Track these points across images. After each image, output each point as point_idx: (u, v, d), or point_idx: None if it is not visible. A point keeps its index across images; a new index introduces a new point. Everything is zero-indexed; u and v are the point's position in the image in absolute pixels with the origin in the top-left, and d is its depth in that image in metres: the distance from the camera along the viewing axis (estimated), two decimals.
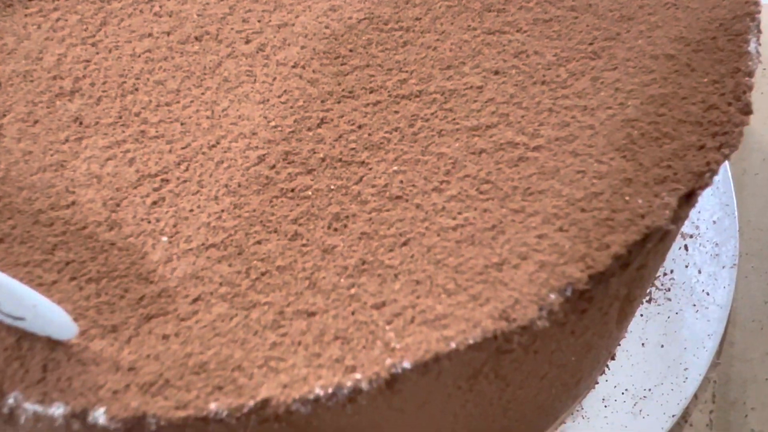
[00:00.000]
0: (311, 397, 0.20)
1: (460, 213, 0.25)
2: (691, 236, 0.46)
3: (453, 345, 0.21)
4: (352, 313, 0.22)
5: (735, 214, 0.47)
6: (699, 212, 0.47)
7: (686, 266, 0.45)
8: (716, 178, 0.50)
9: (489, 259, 0.23)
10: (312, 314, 0.22)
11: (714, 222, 0.47)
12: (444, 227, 0.24)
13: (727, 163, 0.49)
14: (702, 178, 0.25)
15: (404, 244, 0.24)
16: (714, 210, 0.47)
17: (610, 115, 0.27)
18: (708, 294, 0.43)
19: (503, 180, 0.25)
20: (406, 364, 0.20)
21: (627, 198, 0.24)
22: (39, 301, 0.19)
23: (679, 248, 0.46)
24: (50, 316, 0.20)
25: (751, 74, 0.29)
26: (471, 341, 0.21)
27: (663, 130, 0.27)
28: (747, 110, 0.27)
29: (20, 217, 0.24)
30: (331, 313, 0.22)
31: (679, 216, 0.24)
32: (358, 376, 0.20)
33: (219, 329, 0.21)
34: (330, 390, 0.20)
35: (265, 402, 0.20)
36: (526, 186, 0.25)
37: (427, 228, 0.24)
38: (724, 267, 0.45)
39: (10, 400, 0.20)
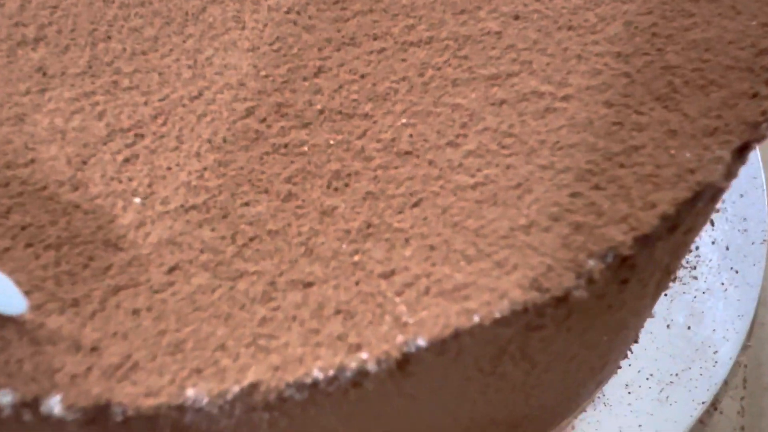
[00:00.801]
0: (308, 381, 0.17)
1: (479, 170, 0.21)
2: (717, 211, 0.43)
3: (476, 319, 0.17)
4: (356, 284, 0.19)
5: (764, 187, 0.43)
6: None
7: (713, 242, 0.42)
8: None
9: (515, 220, 0.20)
10: (309, 285, 0.19)
11: (741, 196, 0.43)
12: (461, 186, 0.21)
13: None
14: (758, 129, 0.22)
15: (415, 204, 0.20)
16: (740, 183, 0.44)
17: (648, 62, 0.24)
18: (737, 272, 0.40)
19: (528, 133, 0.22)
20: (421, 342, 0.17)
21: (672, 152, 0.21)
22: None
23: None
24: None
25: None
26: (497, 315, 0.17)
27: (709, 78, 0.23)
28: None
29: None
30: (332, 284, 0.19)
31: (732, 172, 0.21)
32: (363, 355, 0.17)
33: (199, 303, 0.18)
34: (330, 372, 0.17)
35: (253, 387, 0.16)
36: (555, 139, 0.22)
37: (441, 187, 0.21)
38: (753, 243, 0.41)
39: None
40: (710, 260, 0.41)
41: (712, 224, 0.43)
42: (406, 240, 0.20)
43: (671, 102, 0.23)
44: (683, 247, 0.23)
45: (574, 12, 0.26)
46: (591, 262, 0.19)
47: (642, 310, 0.26)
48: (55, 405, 0.16)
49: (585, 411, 0.35)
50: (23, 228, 0.20)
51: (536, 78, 0.24)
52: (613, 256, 0.19)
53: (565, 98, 0.23)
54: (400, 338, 0.17)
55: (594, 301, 0.20)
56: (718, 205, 0.43)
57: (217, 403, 0.16)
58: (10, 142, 0.22)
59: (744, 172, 0.44)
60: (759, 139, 0.22)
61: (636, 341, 0.38)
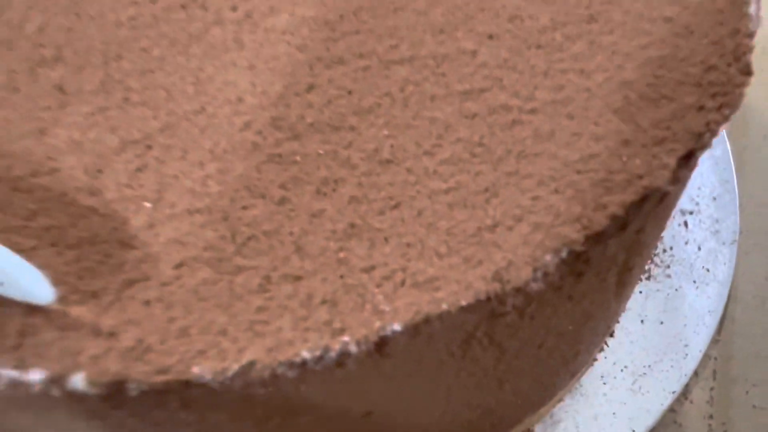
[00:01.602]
0: (298, 360, 0.19)
1: (452, 176, 0.24)
2: (690, 213, 0.45)
3: (444, 307, 0.20)
4: (341, 277, 0.21)
5: (735, 191, 0.46)
6: (699, 189, 0.47)
7: (686, 243, 0.44)
8: (716, 155, 0.49)
9: (482, 221, 0.22)
10: (299, 278, 0.21)
11: (714, 198, 0.46)
12: (435, 191, 0.23)
13: (727, 139, 0.49)
14: (701, 139, 0.24)
15: (394, 207, 0.23)
16: (714, 186, 0.47)
17: (607, 77, 0.27)
18: (708, 270, 0.43)
19: (497, 143, 0.25)
20: (396, 327, 0.20)
21: (624, 159, 0.24)
22: (16, 264, 0.19)
23: (679, 225, 0.45)
24: (28, 279, 0.19)
25: (751, 36, 0.28)
26: (463, 303, 0.20)
27: (661, 92, 0.26)
28: (747, 71, 0.26)
29: None
30: (319, 277, 0.21)
31: (678, 177, 0.24)
32: (346, 338, 0.19)
33: (202, 294, 0.21)
34: (317, 353, 0.19)
35: (250, 365, 0.19)
36: (521, 149, 0.24)
37: (418, 191, 0.23)
38: (724, 243, 0.44)
39: None
40: (683, 259, 0.43)
41: (686, 226, 0.45)
42: (386, 239, 0.22)
43: (626, 114, 0.25)
44: (638, 245, 0.26)
45: (542, 32, 0.28)
46: (547, 257, 0.21)
47: (606, 303, 0.29)
48: (78, 381, 0.19)
49: (562, 400, 0.38)
50: (47, 229, 0.22)
51: (505, 93, 0.26)
52: (567, 252, 0.21)
53: (531, 111, 0.26)
54: (377, 323, 0.20)
55: (552, 292, 0.23)
56: (692, 208, 0.46)
57: (219, 379, 0.19)
58: (33, 153, 0.25)
59: (717, 176, 0.47)
60: (703, 148, 0.24)
61: (612, 335, 0.41)
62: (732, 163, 0.47)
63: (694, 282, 0.42)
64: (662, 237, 0.44)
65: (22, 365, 0.19)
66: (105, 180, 0.24)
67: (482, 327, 0.22)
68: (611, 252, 0.23)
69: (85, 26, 0.29)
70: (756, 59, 0.59)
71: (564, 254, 0.21)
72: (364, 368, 0.20)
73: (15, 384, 0.19)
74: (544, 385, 0.32)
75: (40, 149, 0.25)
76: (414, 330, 0.20)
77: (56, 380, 0.19)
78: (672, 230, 0.45)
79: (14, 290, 0.19)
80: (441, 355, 0.22)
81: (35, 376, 0.19)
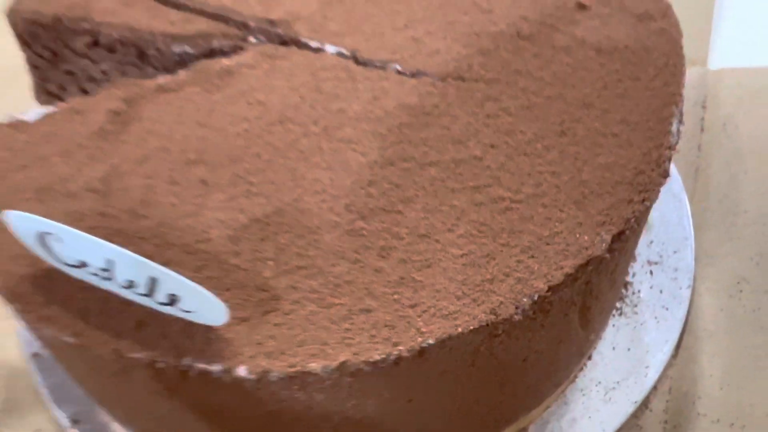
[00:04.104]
0: (371, 360, 0.32)
1: (465, 246, 0.36)
2: (655, 263, 0.58)
3: (460, 330, 0.32)
4: (395, 311, 0.34)
5: (692, 246, 0.58)
6: (663, 244, 0.59)
7: (650, 287, 0.56)
8: (680, 216, 0.62)
9: (484, 276, 0.35)
10: (369, 311, 0.34)
11: (675, 252, 0.58)
12: (455, 255, 0.36)
13: (688, 204, 0.61)
14: (629, 222, 0.37)
15: (428, 266, 0.36)
16: (676, 241, 0.59)
17: (571, 177, 0.39)
18: (667, 309, 0.55)
19: (495, 223, 0.37)
20: (431, 341, 0.32)
21: (577, 236, 0.36)
22: (207, 299, 0.32)
23: (646, 273, 0.57)
24: (212, 310, 0.32)
25: (671, 148, 0.41)
26: (471, 327, 0.33)
27: (605, 189, 0.39)
28: (665, 174, 0.39)
29: (174, 248, 0.37)
30: (382, 311, 0.34)
31: (613, 248, 0.36)
32: (400, 348, 0.32)
33: (311, 320, 0.34)
34: (383, 356, 0.32)
35: (343, 363, 0.32)
36: (510, 228, 0.37)
37: (443, 256, 0.36)
38: (681, 288, 0.56)
39: (185, 362, 0.32)
40: (648, 300, 0.55)
41: (651, 273, 0.57)
42: (423, 287, 0.35)
43: (581, 204, 0.38)
44: (589, 292, 0.38)
45: (528, 143, 0.41)
46: (524, 300, 0.34)
47: (573, 332, 0.41)
48: (242, 371, 0.32)
49: (550, 406, 0.50)
50: (209, 278, 0.35)
51: (502, 188, 0.39)
52: (537, 297, 0.34)
53: (518, 201, 0.38)
54: (419, 339, 0.32)
55: (529, 322, 0.35)
56: (656, 259, 0.58)
57: (325, 371, 0.32)
58: (193, 227, 0.38)
59: (678, 234, 0.60)
60: (631, 228, 0.37)
61: (590, 358, 0.53)
62: (691, 222, 0.59)
63: (656, 318, 0.54)
64: (632, 282, 0.57)
65: (208, 361, 0.32)
66: (242, 246, 0.37)
67: (484, 344, 0.34)
68: (567, 297, 0.36)
69: (214, 137, 0.42)
70: (715, 136, 0.73)
71: (535, 298, 0.34)
72: (411, 367, 0.33)
73: (202, 372, 0.32)
74: (533, 391, 0.44)
75: (197, 225, 0.38)
76: (441, 344, 0.32)
77: (228, 370, 0.32)
78: (640, 277, 0.57)
79: (201, 317, 0.32)
80: (458, 362, 0.35)
81: (216, 367, 0.32)
